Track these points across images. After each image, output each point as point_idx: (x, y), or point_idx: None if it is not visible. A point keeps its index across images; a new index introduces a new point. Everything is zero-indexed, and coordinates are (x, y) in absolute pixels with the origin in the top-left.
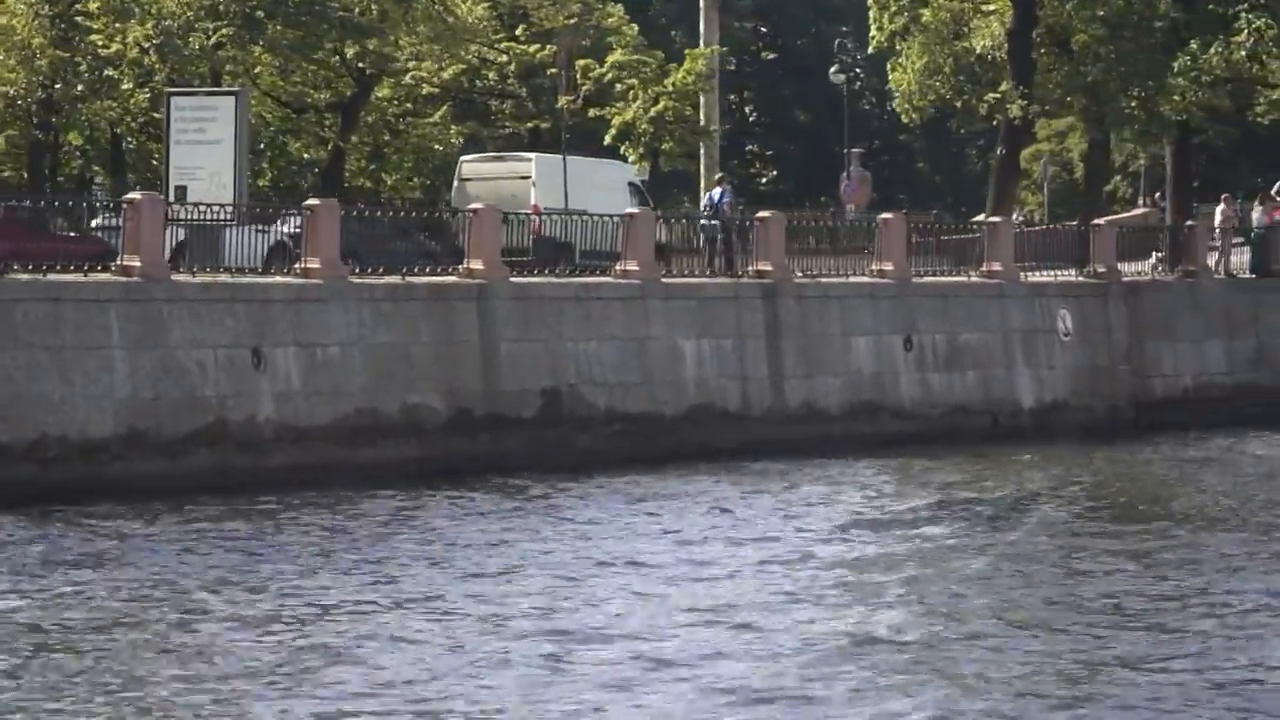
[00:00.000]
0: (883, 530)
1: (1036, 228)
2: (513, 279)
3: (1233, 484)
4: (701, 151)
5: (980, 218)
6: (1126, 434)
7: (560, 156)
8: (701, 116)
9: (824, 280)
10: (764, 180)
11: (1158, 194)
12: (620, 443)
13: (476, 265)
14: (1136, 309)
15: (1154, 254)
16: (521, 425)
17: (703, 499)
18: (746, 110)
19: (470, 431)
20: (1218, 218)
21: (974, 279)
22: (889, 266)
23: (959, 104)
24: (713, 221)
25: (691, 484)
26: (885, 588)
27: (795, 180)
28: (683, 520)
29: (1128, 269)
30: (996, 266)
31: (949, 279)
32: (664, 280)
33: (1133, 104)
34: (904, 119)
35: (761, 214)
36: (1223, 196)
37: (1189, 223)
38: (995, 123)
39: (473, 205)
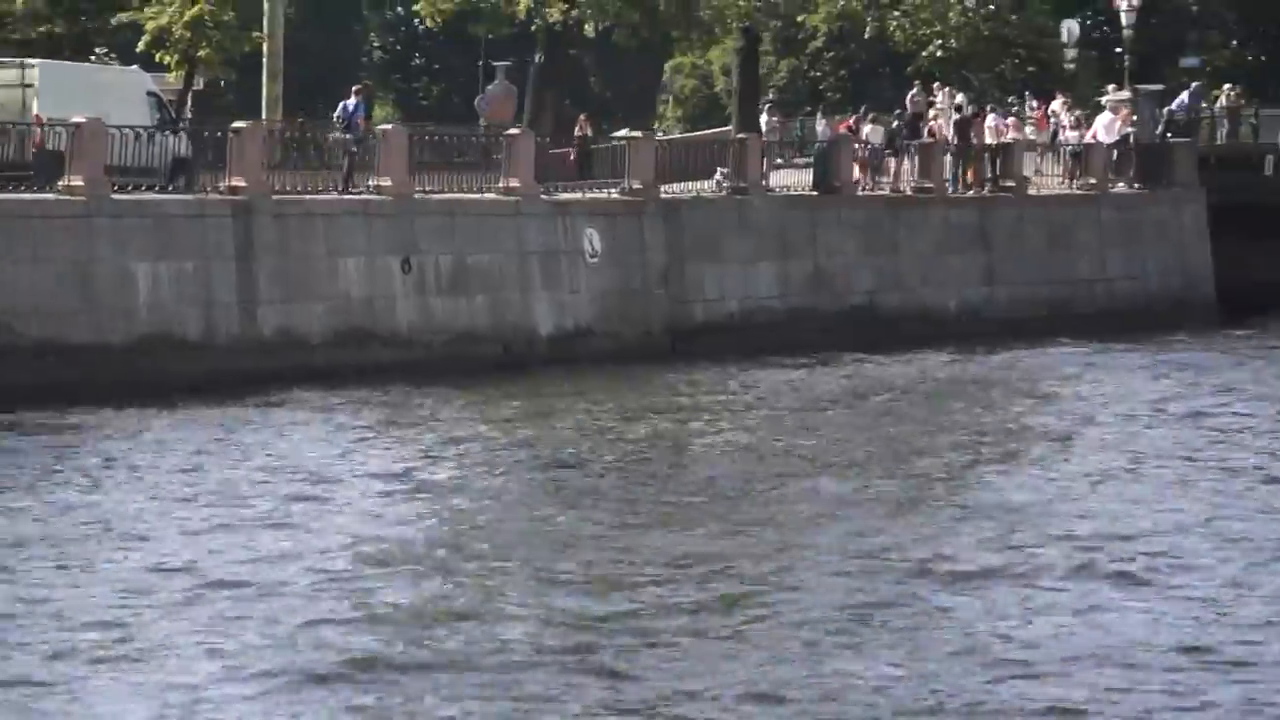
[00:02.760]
0: (336, 475)
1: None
2: None
3: (753, 416)
4: (264, 60)
5: (512, 130)
6: (660, 362)
7: (70, 63)
8: (265, 25)
9: (308, 197)
10: (427, 95)
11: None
12: (56, 376)
13: None
14: (676, 229)
15: (718, 171)
16: None
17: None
18: (414, 22)
19: None
20: (763, 129)
21: (488, 196)
22: (387, 182)
23: (484, 5)
24: (345, 135)
25: (124, 423)
26: (356, 548)
27: (464, 94)
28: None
29: (690, 188)
30: (514, 183)
31: (458, 195)
32: (114, 197)
33: (673, 7)
34: (429, 23)
35: (237, 124)
36: (766, 105)
37: (739, 136)
38: (535, 28)
39: None
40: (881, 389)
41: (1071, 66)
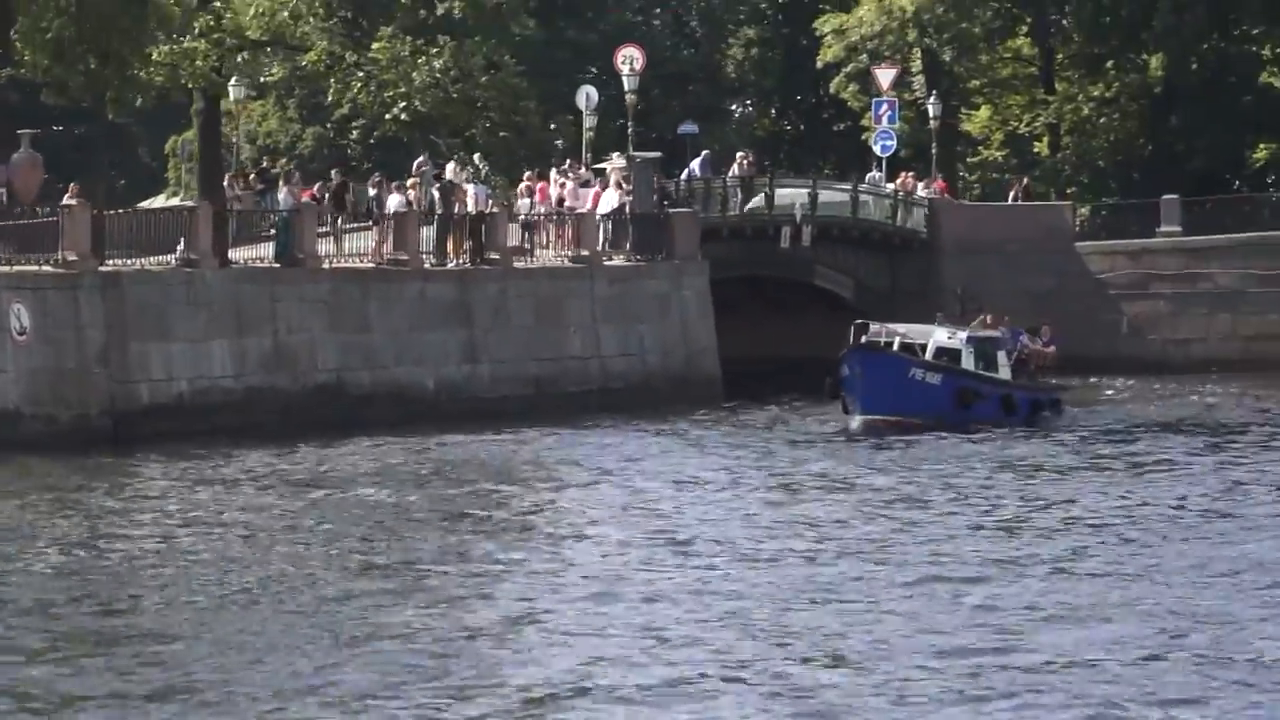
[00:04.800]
0: None
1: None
2: None
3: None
4: None
5: None
6: (101, 448)
7: None
8: None
9: None
10: None
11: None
12: None
13: None
14: (117, 304)
15: (181, 241)
16: None
17: None
18: None
19: None
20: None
21: None
22: None
23: None
24: None
25: None
26: None
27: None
28: None
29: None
30: None
31: None
32: None
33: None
34: None
35: None
36: (229, 176)
37: (189, 206)
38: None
39: None
40: (319, 477)
41: (590, 134)
